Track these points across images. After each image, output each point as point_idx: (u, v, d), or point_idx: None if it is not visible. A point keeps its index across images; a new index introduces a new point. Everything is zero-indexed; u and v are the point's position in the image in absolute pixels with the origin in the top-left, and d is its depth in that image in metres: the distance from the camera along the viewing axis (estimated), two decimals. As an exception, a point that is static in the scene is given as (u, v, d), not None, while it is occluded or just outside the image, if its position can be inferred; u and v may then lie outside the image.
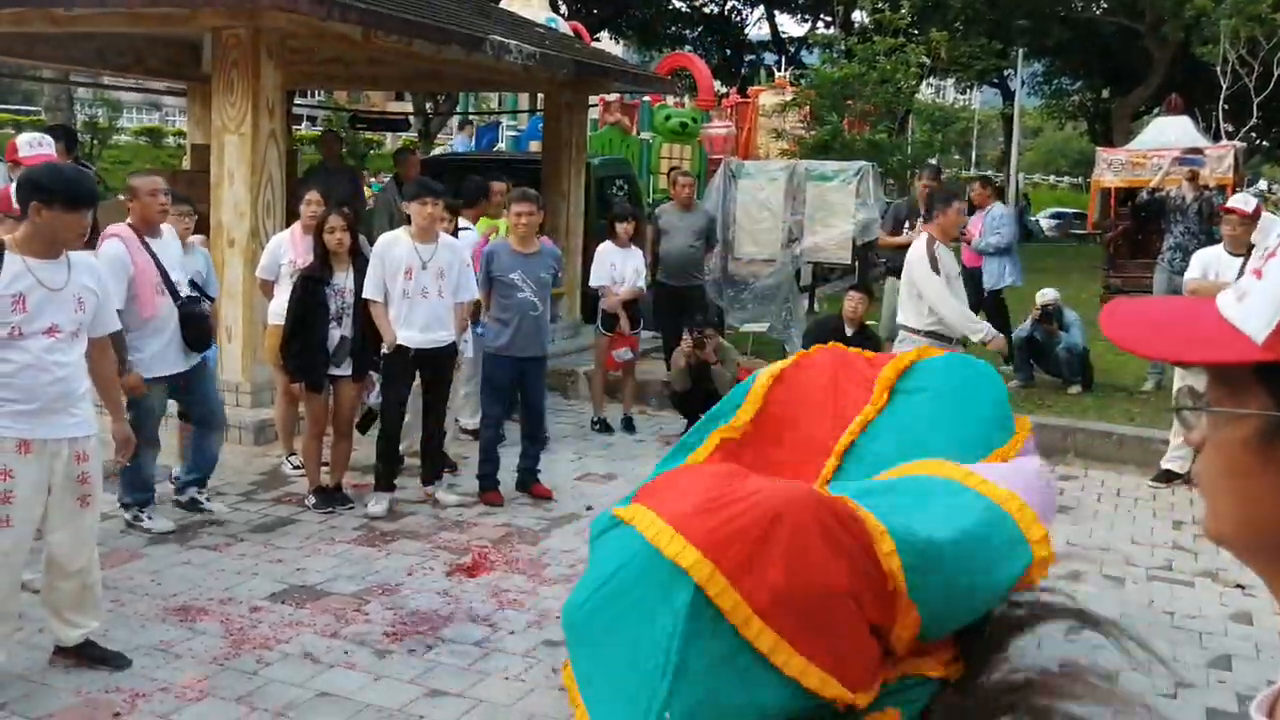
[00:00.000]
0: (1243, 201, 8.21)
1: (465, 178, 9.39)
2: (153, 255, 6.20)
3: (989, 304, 10.60)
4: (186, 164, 14.17)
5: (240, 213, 8.31)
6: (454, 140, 20.01)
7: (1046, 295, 10.28)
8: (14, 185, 5.03)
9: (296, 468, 7.48)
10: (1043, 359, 10.42)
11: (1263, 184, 44.01)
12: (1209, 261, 7.87)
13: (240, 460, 7.80)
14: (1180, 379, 7.95)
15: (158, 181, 6.41)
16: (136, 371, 6.19)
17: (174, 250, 6.39)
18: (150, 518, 6.39)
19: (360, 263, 7.03)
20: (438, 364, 7.08)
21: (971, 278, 10.35)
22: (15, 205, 5.34)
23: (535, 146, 16.04)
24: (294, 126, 16.49)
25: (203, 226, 8.91)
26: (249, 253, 8.31)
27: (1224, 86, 20.11)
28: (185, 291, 6.35)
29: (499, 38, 9.79)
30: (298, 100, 17.44)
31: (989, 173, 52.87)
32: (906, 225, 10.46)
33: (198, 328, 6.36)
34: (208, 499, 6.69)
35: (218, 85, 8.40)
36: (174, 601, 5.40)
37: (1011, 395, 8.80)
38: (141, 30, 9.65)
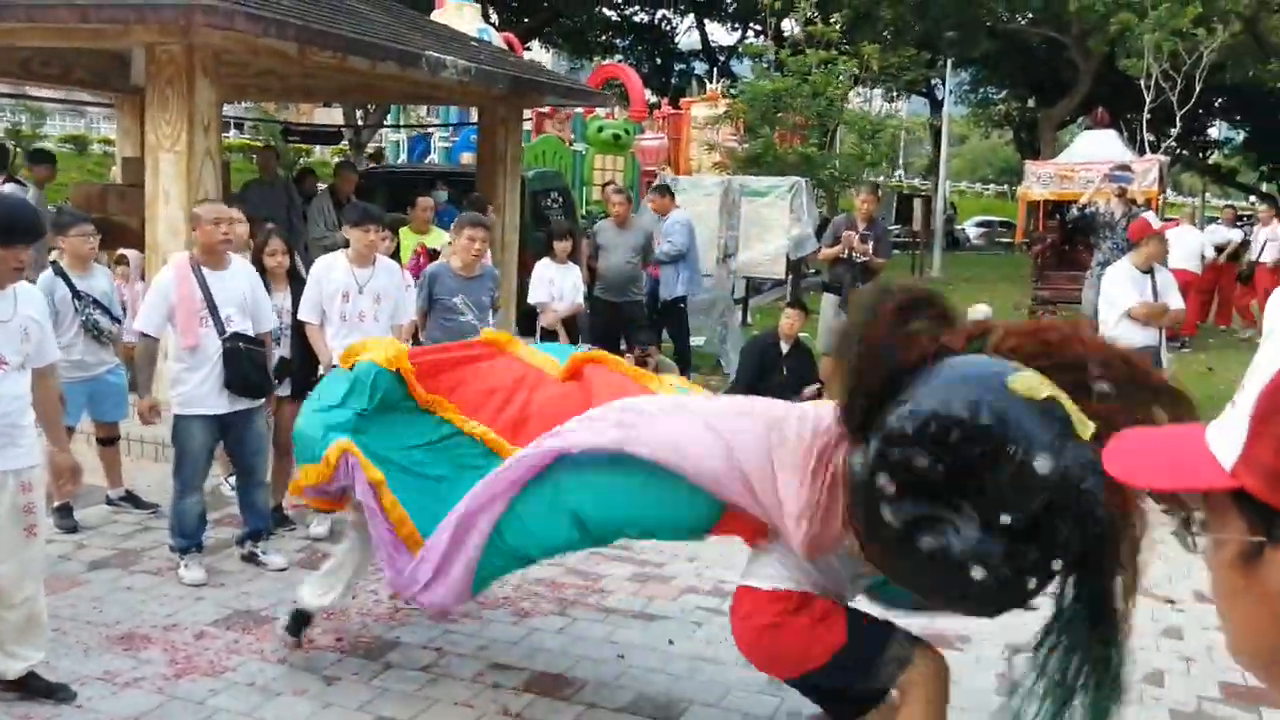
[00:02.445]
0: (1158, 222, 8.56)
1: (466, 195, 9.73)
2: (203, 285, 6.08)
3: (665, 313, 10.80)
4: (115, 175, 13.99)
5: (175, 231, 8.22)
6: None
7: (979, 311, 10.44)
8: None
9: (235, 489, 7.42)
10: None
11: (1171, 195, 44.88)
12: (1133, 279, 8.08)
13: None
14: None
15: (221, 209, 6.28)
16: (151, 398, 6.21)
17: (236, 284, 6.20)
18: (187, 566, 6.10)
19: (297, 284, 7.03)
20: (377, 385, 7.06)
21: (655, 285, 10.54)
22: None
23: (467, 159, 16.05)
24: (222, 134, 16.30)
25: (138, 242, 8.88)
26: (185, 271, 8.22)
27: (1148, 100, 20.60)
28: (236, 328, 6.11)
29: (435, 54, 9.79)
30: (225, 106, 17.28)
31: (916, 180, 53.58)
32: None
33: (237, 369, 6.08)
34: (264, 552, 6.40)
35: (151, 102, 8.31)
36: (117, 629, 5.35)
37: None
38: (70, 44, 9.52)
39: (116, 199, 10.84)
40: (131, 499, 7.26)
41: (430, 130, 20.17)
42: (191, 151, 8.21)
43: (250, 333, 6.23)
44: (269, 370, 6.38)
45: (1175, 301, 7.97)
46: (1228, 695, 5.04)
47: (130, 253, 8.86)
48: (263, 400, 6.38)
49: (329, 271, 6.87)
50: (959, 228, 40.21)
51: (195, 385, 6.08)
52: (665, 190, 11.57)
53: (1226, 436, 0.94)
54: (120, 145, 13.52)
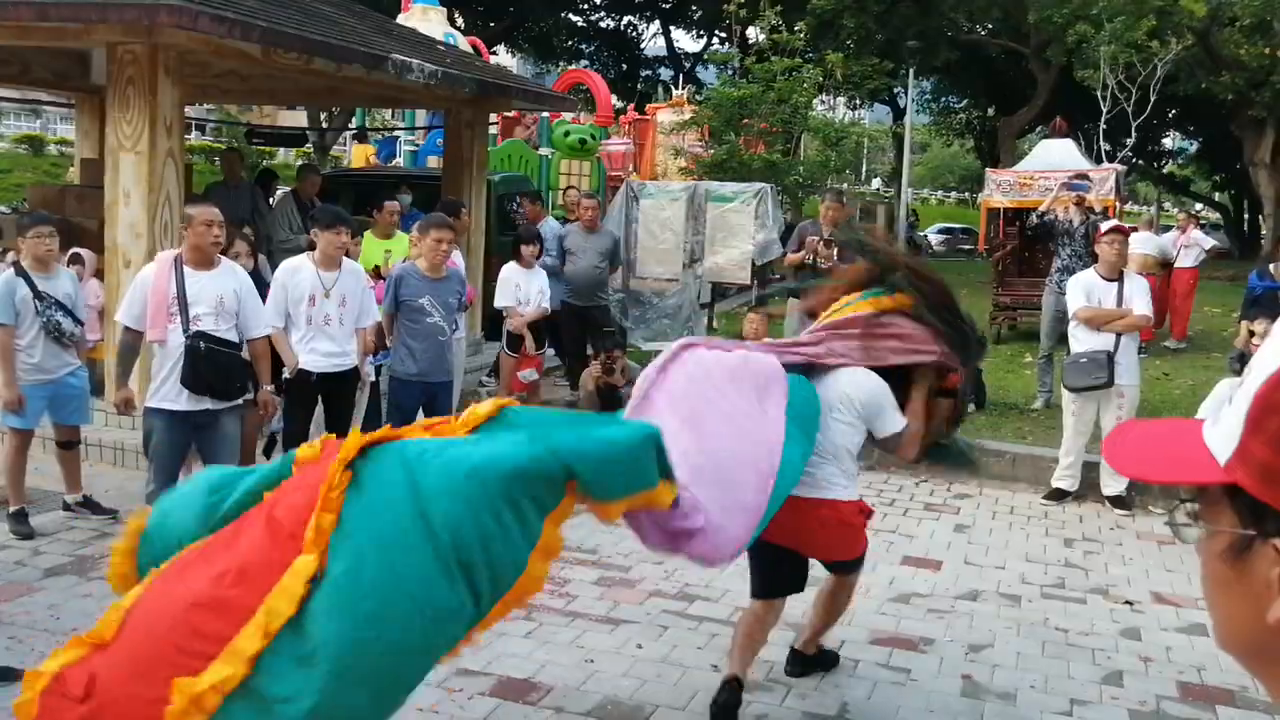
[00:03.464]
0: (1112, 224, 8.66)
1: (439, 199, 9.74)
2: (180, 283, 6.06)
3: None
4: (73, 176, 13.85)
5: (137, 233, 8.14)
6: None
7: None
8: None
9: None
10: (937, 378, 10.64)
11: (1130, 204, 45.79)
12: (1089, 286, 8.15)
13: (136, 485, 7.63)
14: (1068, 402, 8.23)
15: (214, 212, 6.23)
16: (126, 389, 6.22)
17: (218, 286, 6.16)
18: None
19: (258, 286, 6.99)
20: (341, 388, 7.05)
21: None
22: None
23: (434, 162, 15.99)
24: (184, 136, 16.27)
25: (96, 244, 8.77)
26: (146, 274, 8.13)
27: (1104, 110, 20.83)
28: (204, 327, 6.07)
29: (400, 56, 9.74)
30: (186, 109, 17.14)
31: (879, 185, 53.92)
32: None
33: (194, 369, 6.03)
34: None
35: (113, 102, 8.23)
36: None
37: None
38: (30, 43, 9.41)
39: (75, 200, 10.71)
40: (90, 504, 7.17)
41: (396, 133, 20.11)
42: (153, 152, 8.13)
43: (224, 335, 6.17)
44: (238, 374, 6.30)
45: (1139, 308, 8.02)
46: (1185, 695, 5.09)
47: (84, 252, 8.76)
48: (233, 403, 6.31)
49: (295, 275, 6.84)
50: (921, 234, 40.46)
51: (161, 380, 6.11)
52: (536, 197, 11.47)
53: (1222, 433, 0.97)
54: (79, 146, 13.36)
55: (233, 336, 6.23)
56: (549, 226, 11.08)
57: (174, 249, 6.44)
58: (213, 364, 6.11)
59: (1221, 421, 0.98)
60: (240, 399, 6.34)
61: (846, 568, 4.98)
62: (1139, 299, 8.06)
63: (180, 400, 6.09)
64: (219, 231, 6.16)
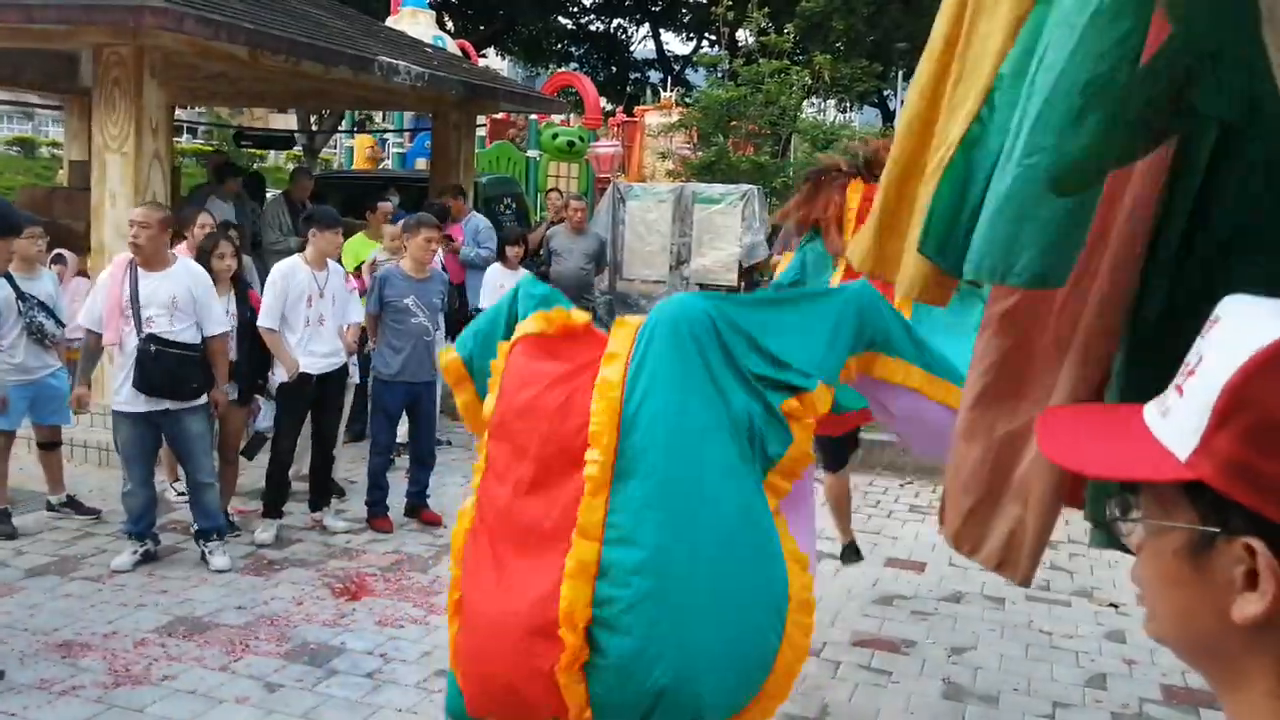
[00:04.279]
0: None
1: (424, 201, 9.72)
2: (133, 285, 6.08)
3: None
4: (63, 178, 13.81)
5: (123, 234, 8.05)
6: None
7: (929, 316, 10.49)
8: None
9: (181, 494, 7.33)
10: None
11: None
12: None
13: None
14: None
15: (136, 213, 6.25)
16: (81, 388, 6.28)
17: (169, 286, 6.14)
18: (128, 551, 6.28)
19: (240, 287, 6.98)
20: (332, 388, 7.05)
21: (460, 292, 9.57)
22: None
23: (422, 164, 15.99)
24: (174, 139, 16.09)
25: (84, 246, 8.75)
26: (130, 275, 8.10)
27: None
28: (156, 329, 6.07)
29: (388, 59, 9.74)
30: (177, 112, 17.05)
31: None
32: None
33: (145, 371, 6.04)
34: (211, 551, 6.34)
35: (99, 103, 8.21)
36: (55, 637, 5.27)
37: None
38: (17, 45, 9.39)
39: (63, 202, 10.69)
40: (73, 504, 7.16)
41: (385, 136, 20.09)
42: (139, 154, 8.12)
43: (179, 336, 6.16)
44: (193, 374, 6.26)
45: None
46: (1169, 698, 5.10)
47: (66, 253, 8.73)
48: (195, 402, 6.29)
49: (293, 277, 6.83)
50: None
51: (120, 383, 6.15)
52: (458, 191, 11.35)
53: (1179, 426, 0.93)
54: (68, 148, 13.35)
55: (190, 336, 6.21)
56: (475, 221, 10.96)
57: (125, 253, 6.42)
58: (163, 366, 6.10)
59: (1175, 413, 0.94)
60: (199, 399, 6.31)
61: None
62: None
63: (138, 402, 6.11)
64: (137, 230, 6.13)
